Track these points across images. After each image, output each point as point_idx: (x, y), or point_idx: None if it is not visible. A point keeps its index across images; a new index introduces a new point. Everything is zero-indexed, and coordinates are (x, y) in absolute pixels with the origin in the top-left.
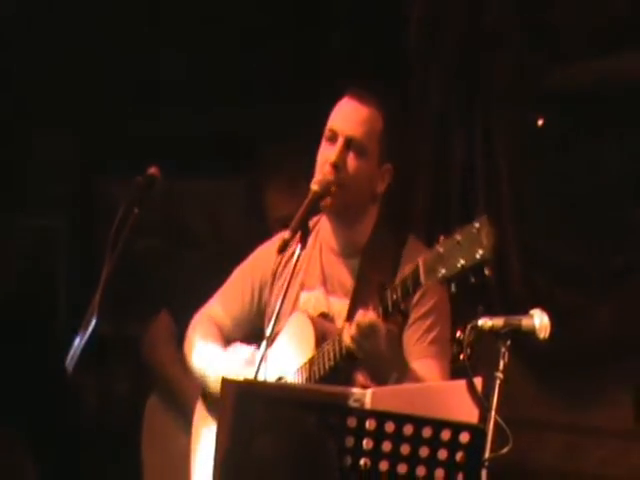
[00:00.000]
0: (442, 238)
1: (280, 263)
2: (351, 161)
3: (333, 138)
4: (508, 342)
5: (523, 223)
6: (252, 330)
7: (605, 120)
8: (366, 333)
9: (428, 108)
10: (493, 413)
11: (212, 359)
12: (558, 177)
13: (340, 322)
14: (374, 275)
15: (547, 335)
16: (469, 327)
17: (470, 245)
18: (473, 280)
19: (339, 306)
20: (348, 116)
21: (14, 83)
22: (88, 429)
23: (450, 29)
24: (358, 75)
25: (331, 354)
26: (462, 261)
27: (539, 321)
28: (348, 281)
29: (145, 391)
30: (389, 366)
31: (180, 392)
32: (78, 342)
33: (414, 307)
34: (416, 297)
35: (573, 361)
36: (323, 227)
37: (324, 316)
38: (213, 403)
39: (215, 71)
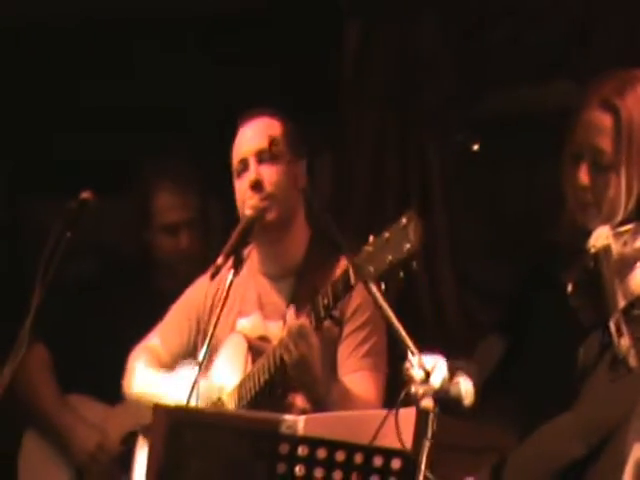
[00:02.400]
0: (372, 238)
1: (216, 292)
2: (267, 171)
3: (244, 168)
4: (437, 409)
5: (457, 248)
6: None
7: (535, 145)
8: (295, 336)
9: (365, 130)
10: (423, 468)
11: (155, 384)
12: (489, 201)
13: None
14: (308, 297)
15: (471, 402)
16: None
17: (398, 240)
18: (402, 275)
19: (276, 329)
20: (247, 137)
21: None
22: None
23: (384, 56)
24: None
25: (266, 367)
26: (390, 257)
27: (464, 389)
28: (282, 304)
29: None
30: (316, 376)
31: (54, 427)
32: (7, 370)
33: (347, 322)
34: (349, 311)
35: None
36: (254, 254)
37: (262, 339)
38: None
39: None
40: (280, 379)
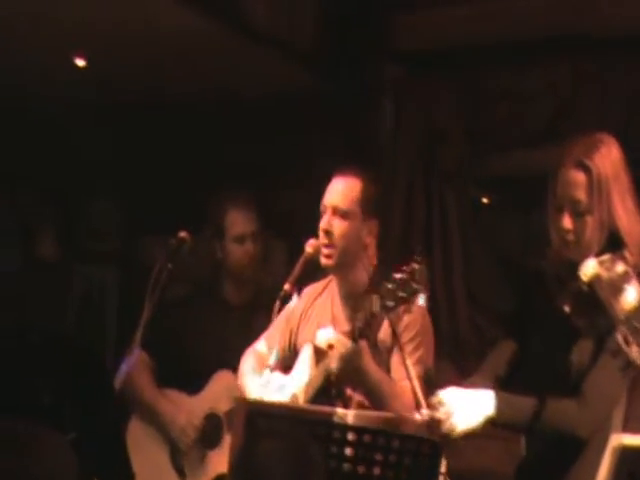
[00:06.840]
0: (392, 276)
1: (304, 310)
2: (337, 224)
3: (324, 210)
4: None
5: (469, 276)
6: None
7: (529, 198)
8: (346, 359)
9: (398, 184)
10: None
11: (253, 386)
12: (494, 240)
13: None
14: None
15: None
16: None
17: (409, 282)
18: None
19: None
20: (333, 190)
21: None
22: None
23: (413, 128)
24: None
25: (322, 374)
26: (402, 294)
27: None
28: (348, 320)
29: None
30: (365, 377)
31: (154, 411)
32: (124, 366)
33: (401, 334)
34: (401, 327)
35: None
36: (333, 280)
37: (330, 347)
38: None
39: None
40: (333, 384)
